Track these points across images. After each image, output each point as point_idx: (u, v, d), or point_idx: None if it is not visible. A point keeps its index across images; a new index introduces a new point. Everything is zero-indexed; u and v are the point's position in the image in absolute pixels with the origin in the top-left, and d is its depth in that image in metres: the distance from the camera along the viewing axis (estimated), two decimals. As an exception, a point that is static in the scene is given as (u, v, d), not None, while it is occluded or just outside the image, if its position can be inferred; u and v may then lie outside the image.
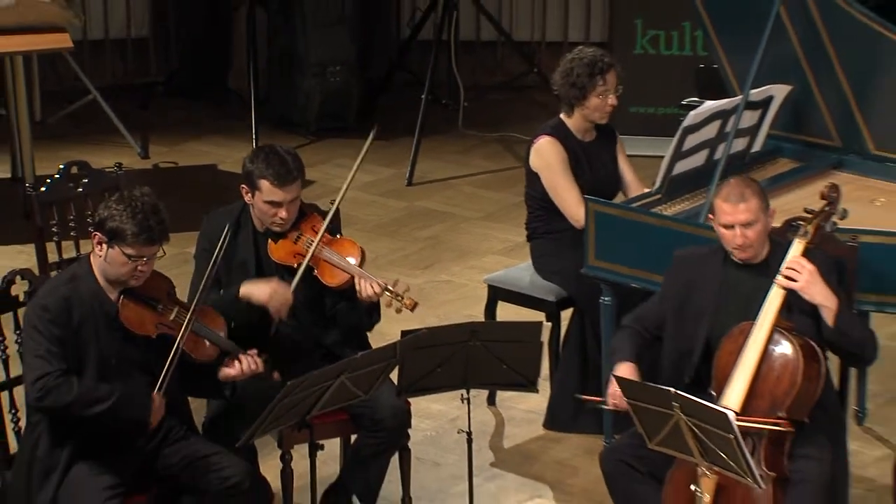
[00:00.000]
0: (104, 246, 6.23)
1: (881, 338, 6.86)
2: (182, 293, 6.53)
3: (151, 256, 6.26)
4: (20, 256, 8.96)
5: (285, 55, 11.26)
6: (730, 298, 6.58)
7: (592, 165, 7.73)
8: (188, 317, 6.31)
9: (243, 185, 6.83)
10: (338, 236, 6.91)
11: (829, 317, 6.43)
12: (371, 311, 6.87)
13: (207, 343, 6.41)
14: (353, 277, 6.77)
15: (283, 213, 6.76)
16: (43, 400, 6.19)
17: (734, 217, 6.45)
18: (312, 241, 6.78)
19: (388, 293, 6.74)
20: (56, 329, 6.20)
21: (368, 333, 6.99)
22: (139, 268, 6.23)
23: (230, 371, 6.44)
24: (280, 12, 11.26)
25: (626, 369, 6.51)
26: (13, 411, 6.59)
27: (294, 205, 6.79)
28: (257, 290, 6.74)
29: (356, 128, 11.15)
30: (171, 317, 6.34)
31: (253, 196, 6.80)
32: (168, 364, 6.25)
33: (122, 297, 6.30)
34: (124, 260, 6.22)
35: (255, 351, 6.45)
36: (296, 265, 6.77)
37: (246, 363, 6.43)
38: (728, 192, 6.46)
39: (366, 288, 6.74)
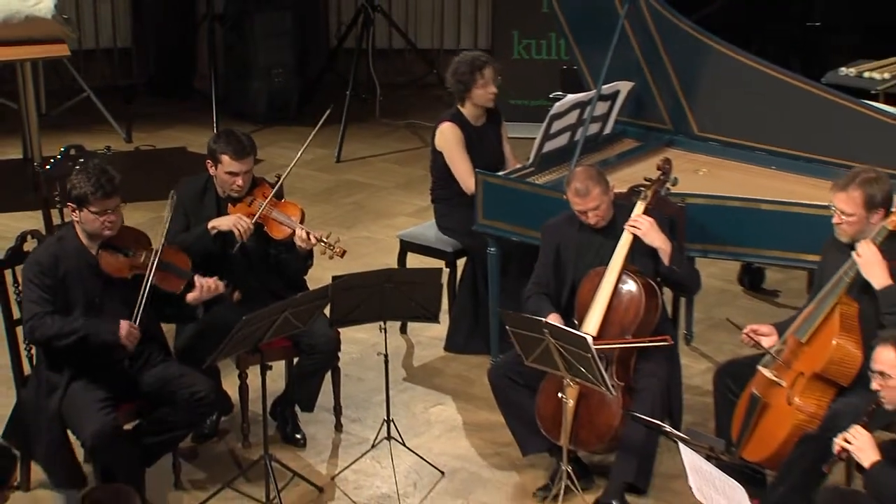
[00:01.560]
0: (77, 212, 6.19)
1: (704, 276, 6.95)
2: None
3: (114, 208, 6.20)
4: (30, 220, 8.85)
5: (239, 61, 11.19)
6: (586, 252, 6.60)
7: (483, 145, 7.72)
8: (152, 257, 6.25)
9: (208, 160, 6.79)
10: (282, 200, 6.87)
11: (664, 258, 6.48)
12: (306, 258, 6.83)
13: (174, 276, 6.35)
14: (294, 231, 6.73)
15: (239, 181, 6.72)
16: (32, 334, 6.21)
17: (584, 206, 6.48)
18: (262, 203, 6.75)
19: (322, 243, 6.71)
20: (47, 279, 6.16)
21: (305, 277, 6.96)
22: (107, 220, 6.18)
23: (195, 294, 6.39)
24: (234, 28, 11.19)
25: (554, 318, 6.43)
26: (27, 341, 6.52)
27: (248, 175, 6.75)
28: (224, 221, 6.72)
29: (296, 118, 11.12)
30: (142, 260, 6.29)
31: (216, 168, 6.76)
32: (141, 295, 6.21)
33: (100, 250, 6.24)
34: (94, 217, 6.17)
35: (215, 277, 6.41)
36: None
37: (207, 286, 6.38)
38: (575, 187, 6.47)
39: (304, 238, 6.71)
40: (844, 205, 6.07)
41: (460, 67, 7.63)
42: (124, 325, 6.20)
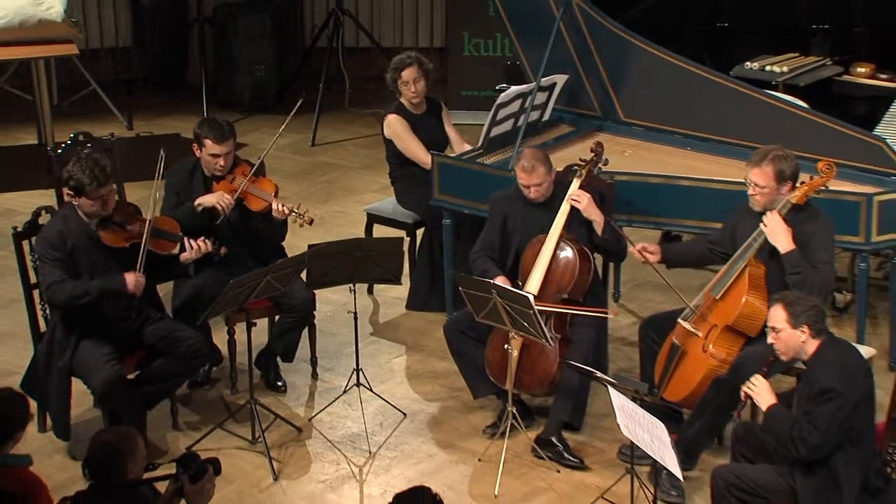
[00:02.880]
0: (75, 198, 6.10)
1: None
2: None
3: (108, 193, 6.12)
4: (44, 198, 8.72)
5: (226, 58, 11.11)
6: (529, 222, 6.58)
7: (425, 130, 7.66)
8: (147, 225, 6.18)
9: (194, 144, 6.72)
10: (260, 177, 6.81)
11: (598, 229, 6.47)
12: (282, 225, 6.79)
13: (166, 241, 6.29)
14: (270, 204, 6.68)
15: (221, 162, 6.66)
16: (52, 299, 6.15)
17: (528, 182, 6.46)
18: (242, 180, 6.69)
19: (294, 213, 6.66)
20: (56, 252, 6.10)
21: (284, 245, 6.90)
22: (104, 204, 6.11)
23: (188, 255, 6.33)
24: (222, 28, 11.11)
25: (502, 279, 6.42)
26: (42, 303, 6.45)
27: (229, 156, 6.69)
28: (207, 198, 6.64)
29: (275, 108, 11.05)
30: (136, 230, 6.22)
31: (200, 151, 6.69)
32: (140, 256, 6.13)
33: (98, 227, 6.17)
34: (91, 202, 6.09)
35: (202, 237, 6.35)
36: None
37: (196, 246, 6.33)
38: (523, 164, 6.46)
39: (278, 209, 6.65)
40: (758, 178, 6.09)
41: (391, 67, 7.64)
42: (130, 276, 6.13)
